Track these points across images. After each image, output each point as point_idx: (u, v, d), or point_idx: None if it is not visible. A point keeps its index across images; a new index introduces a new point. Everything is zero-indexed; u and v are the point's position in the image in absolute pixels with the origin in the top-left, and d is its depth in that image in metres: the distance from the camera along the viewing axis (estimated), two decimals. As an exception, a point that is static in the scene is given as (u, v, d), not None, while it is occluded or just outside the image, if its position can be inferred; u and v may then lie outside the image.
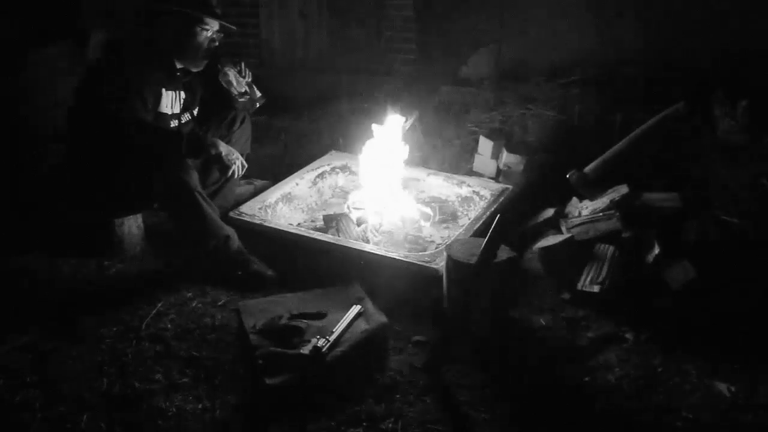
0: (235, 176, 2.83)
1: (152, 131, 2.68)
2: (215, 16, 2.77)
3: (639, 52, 3.83)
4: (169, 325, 2.45)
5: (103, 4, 4.02)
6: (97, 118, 2.60)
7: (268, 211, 3.14)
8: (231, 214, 2.98)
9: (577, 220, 2.93)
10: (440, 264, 2.55)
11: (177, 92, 2.87)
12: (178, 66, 2.84)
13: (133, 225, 2.95)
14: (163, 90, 2.78)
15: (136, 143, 2.62)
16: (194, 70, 2.87)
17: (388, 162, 3.31)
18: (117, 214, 2.88)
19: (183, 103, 2.92)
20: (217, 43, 2.83)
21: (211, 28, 2.77)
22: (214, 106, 3.08)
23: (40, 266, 2.80)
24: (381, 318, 2.40)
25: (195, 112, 3.03)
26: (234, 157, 2.78)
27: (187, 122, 2.98)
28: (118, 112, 2.55)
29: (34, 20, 3.92)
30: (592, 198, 3.04)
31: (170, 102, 2.83)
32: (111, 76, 2.62)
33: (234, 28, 2.87)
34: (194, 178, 2.69)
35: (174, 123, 2.89)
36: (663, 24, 3.81)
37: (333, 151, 3.79)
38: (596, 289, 2.59)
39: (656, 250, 2.61)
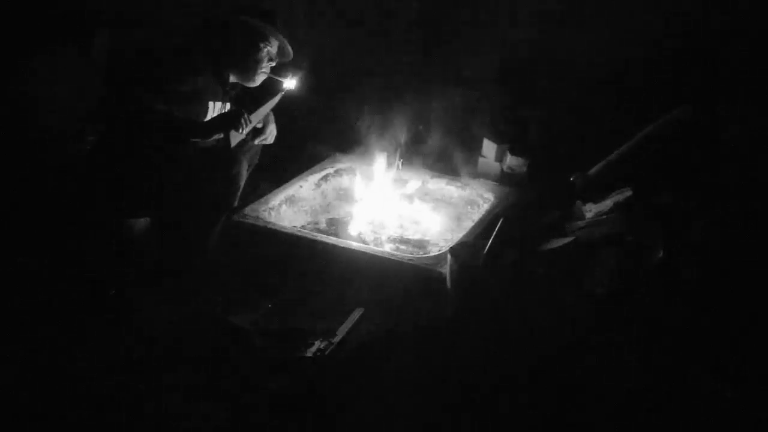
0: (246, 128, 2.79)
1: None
2: (279, 36, 2.83)
3: (642, 54, 3.81)
4: (170, 325, 2.45)
5: (107, 5, 4.03)
6: (145, 121, 2.58)
7: (272, 213, 3.14)
8: (235, 217, 2.99)
9: (581, 223, 2.92)
10: (444, 267, 2.55)
11: (223, 105, 2.89)
12: (231, 80, 2.87)
13: (142, 224, 2.93)
14: (211, 102, 2.81)
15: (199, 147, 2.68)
16: (247, 85, 2.91)
17: (391, 166, 3.31)
18: (135, 213, 2.84)
19: None
20: (273, 63, 2.87)
21: (273, 47, 2.83)
22: None
23: (43, 265, 2.79)
24: (384, 321, 2.40)
25: None
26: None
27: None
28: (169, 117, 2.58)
29: (36, 21, 3.92)
30: (596, 201, 3.03)
31: (216, 113, 2.85)
32: (168, 83, 2.64)
33: (290, 51, 2.90)
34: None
35: None
36: (665, 25, 3.80)
37: (337, 154, 3.79)
38: (600, 291, 2.58)
39: (660, 252, 2.60)
